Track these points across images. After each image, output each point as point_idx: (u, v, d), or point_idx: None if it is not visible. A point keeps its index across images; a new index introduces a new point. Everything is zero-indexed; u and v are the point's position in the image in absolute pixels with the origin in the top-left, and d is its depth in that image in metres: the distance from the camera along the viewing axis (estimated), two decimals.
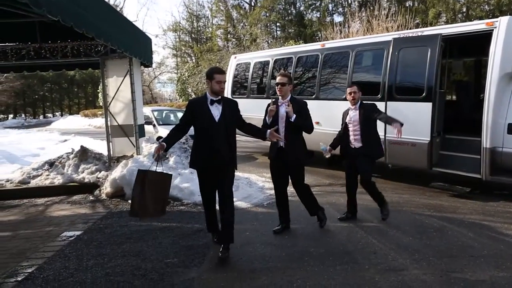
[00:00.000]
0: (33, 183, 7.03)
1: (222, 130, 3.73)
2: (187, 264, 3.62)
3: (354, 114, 4.74)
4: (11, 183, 7.10)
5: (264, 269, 3.50)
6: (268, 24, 34.50)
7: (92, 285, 3.26)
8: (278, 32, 34.83)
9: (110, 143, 7.41)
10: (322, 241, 4.21)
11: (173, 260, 3.69)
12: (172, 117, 11.40)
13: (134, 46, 6.75)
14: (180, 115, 11.72)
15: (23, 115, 41.95)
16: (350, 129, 4.75)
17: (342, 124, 4.90)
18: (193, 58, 36.37)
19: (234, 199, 5.50)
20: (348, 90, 4.77)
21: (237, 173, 5.22)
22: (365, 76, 7.73)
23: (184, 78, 28.02)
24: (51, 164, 7.58)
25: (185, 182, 5.79)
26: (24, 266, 3.70)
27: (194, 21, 38.92)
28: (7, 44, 7.34)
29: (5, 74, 15.71)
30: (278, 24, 34.64)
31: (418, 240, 4.15)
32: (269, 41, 30.81)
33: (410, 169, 7.46)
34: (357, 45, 7.80)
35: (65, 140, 13.87)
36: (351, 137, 4.75)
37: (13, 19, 5.99)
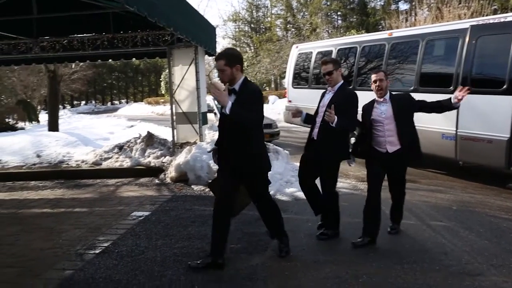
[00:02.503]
0: (105, 164, 7.54)
1: (226, 125, 3.25)
2: (250, 251, 3.67)
3: (384, 109, 3.77)
4: (86, 164, 7.68)
5: (328, 261, 3.45)
6: (329, 13, 33.73)
7: (162, 263, 3.43)
8: (339, 22, 33.95)
9: (175, 130, 7.70)
10: (387, 238, 4.05)
11: (237, 246, 3.76)
12: None
13: (200, 35, 6.92)
14: None
15: (93, 102, 45.12)
16: (380, 128, 3.77)
17: (364, 122, 3.89)
18: (252, 48, 36.56)
19: (294, 189, 5.54)
20: (373, 77, 3.81)
21: (296, 164, 5.14)
22: (436, 67, 7.27)
23: (244, 68, 28.31)
24: (120, 147, 8.07)
25: None
26: (100, 240, 3.99)
27: (254, 11, 39.01)
28: (84, 35, 7.88)
29: (81, 63, 16.82)
30: (339, 13, 33.74)
31: (496, 244, 3.85)
32: (330, 31, 30.16)
33: (483, 167, 6.93)
34: (428, 34, 7.33)
35: (132, 126, 14.71)
36: (382, 139, 3.75)
37: (92, 10, 6.41)
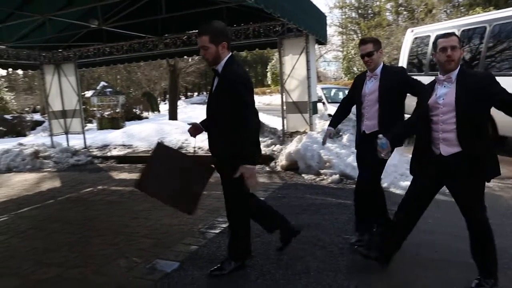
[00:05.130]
0: None
1: (208, 111, 3.00)
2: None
3: (444, 92, 2.53)
4: (202, 150, 8.29)
5: (449, 262, 3.16)
6: None
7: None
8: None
9: (284, 119, 7.84)
10: None
11: (351, 237, 3.68)
12: (340, 95, 11.35)
13: (311, 23, 6.88)
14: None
15: (204, 93, 48.52)
16: (435, 119, 2.57)
17: (421, 110, 2.71)
18: (359, 35, 35.10)
19: (409, 183, 5.18)
20: (442, 42, 2.48)
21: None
22: None
23: (350, 56, 27.39)
24: None
25: None
26: (219, 221, 4.30)
27: None
28: None
29: (196, 57, 18.20)
30: None
31: None
32: (448, 11, 27.25)
33: None
34: None
35: None
36: (436, 134, 2.58)
37: (211, 6, 6.84)
